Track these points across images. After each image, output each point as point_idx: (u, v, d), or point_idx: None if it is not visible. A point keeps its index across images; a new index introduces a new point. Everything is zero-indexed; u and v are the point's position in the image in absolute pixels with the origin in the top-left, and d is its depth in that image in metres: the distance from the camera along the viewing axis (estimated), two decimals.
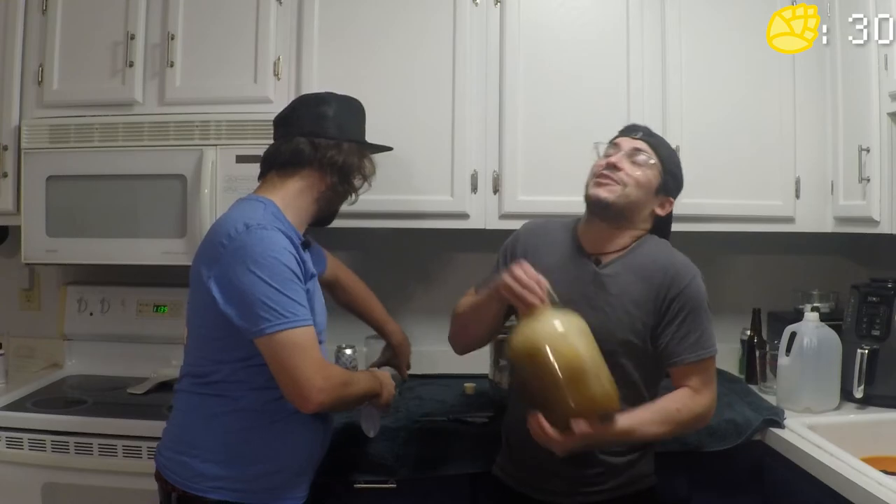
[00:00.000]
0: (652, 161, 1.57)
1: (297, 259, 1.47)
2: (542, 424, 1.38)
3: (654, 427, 1.48)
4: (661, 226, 1.65)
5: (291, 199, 1.57)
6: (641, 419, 1.46)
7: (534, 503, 1.59)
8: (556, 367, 1.36)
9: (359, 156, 1.65)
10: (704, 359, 1.53)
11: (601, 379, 1.38)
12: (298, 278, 1.46)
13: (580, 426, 1.36)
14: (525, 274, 1.43)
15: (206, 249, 1.50)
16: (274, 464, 1.50)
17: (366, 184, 1.68)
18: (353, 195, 1.67)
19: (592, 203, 1.57)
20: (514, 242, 1.69)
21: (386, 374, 1.73)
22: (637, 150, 1.57)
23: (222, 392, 1.49)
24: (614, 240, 1.59)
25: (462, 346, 1.70)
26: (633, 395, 1.51)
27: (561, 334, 1.38)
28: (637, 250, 1.59)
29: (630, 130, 1.63)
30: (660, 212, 1.61)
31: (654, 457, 1.64)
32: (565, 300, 1.45)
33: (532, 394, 1.43)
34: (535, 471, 1.58)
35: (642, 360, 1.54)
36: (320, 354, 1.46)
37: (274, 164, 1.61)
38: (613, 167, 1.55)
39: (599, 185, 1.56)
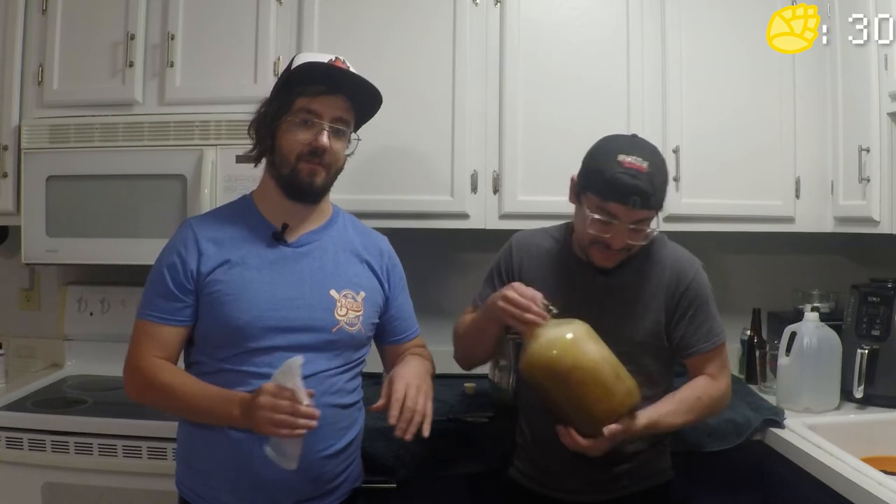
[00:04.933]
0: (654, 228, 1.51)
1: (185, 257, 1.46)
2: (574, 437, 1.41)
3: (678, 417, 1.52)
4: None
5: (261, 186, 1.57)
6: (665, 411, 1.50)
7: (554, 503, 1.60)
8: (575, 380, 1.36)
9: (267, 102, 1.53)
10: (718, 345, 1.57)
11: (620, 377, 1.40)
12: (177, 275, 1.44)
13: (611, 430, 1.39)
14: (518, 295, 1.41)
15: None
16: (202, 475, 1.44)
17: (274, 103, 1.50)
18: (272, 141, 1.49)
19: (595, 265, 1.55)
20: (508, 258, 1.67)
21: (265, 400, 1.28)
22: (637, 229, 1.47)
23: None
24: None
25: (469, 365, 1.71)
26: (652, 388, 1.53)
27: (570, 346, 1.37)
28: (638, 252, 1.58)
29: (625, 198, 1.41)
30: None
31: (670, 451, 1.66)
32: (575, 311, 1.45)
33: (556, 408, 1.43)
34: (557, 472, 1.58)
35: (658, 354, 1.57)
36: (148, 350, 1.42)
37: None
38: (611, 247, 1.48)
39: (601, 256, 1.52)
